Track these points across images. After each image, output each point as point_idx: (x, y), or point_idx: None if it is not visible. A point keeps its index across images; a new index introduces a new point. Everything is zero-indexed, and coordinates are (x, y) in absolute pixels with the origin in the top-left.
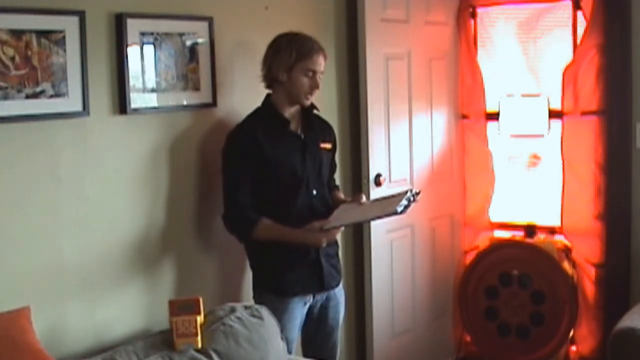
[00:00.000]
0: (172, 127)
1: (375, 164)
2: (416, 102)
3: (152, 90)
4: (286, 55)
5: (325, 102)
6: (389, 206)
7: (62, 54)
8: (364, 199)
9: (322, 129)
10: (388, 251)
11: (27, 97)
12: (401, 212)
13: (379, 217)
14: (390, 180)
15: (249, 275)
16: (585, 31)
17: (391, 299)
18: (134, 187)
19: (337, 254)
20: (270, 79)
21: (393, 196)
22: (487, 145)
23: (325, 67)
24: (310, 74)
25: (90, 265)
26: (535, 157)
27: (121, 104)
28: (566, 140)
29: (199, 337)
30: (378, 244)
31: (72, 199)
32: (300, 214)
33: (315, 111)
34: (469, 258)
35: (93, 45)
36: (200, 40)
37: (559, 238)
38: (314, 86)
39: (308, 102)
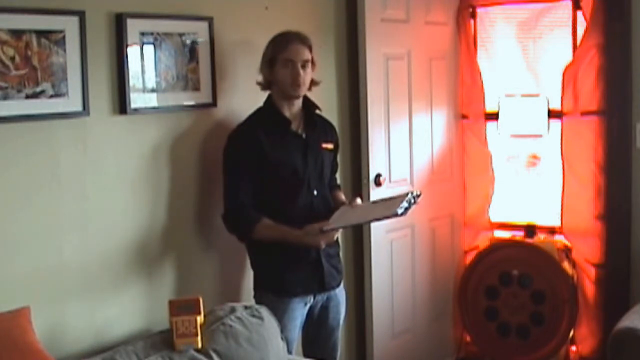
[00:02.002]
0: (172, 127)
1: (375, 164)
2: (416, 102)
3: (152, 90)
4: (267, 52)
5: (325, 102)
6: (389, 208)
7: (62, 54)
8: (359, 201)
9: (325, 129)
10: (388, 251)
11: (27, 97)
12: (402, 214)
13: (379, 219)
14: (390, 181)
15: (249, 275)
16: (585, 31)
17: (391, 299)
18: (134, 187)
19: (338, 254)
20: (264, 81)
21: (393, 198)
22: (487, 146)
23: (316, 56)
24: (290, 64)
25: (90, 265)
26: (535, 157)
27: (121, 104)
28: (566, 140)
29: (199, 337)
30: (378, 244)
31: (72, 199)
32: (301, 214)
33: (317, 111)
34: (469, 258)
35: (93, 45)
36: (200, 40)
37: (559, 238)
38: (296, 75)
39: (297, 93)
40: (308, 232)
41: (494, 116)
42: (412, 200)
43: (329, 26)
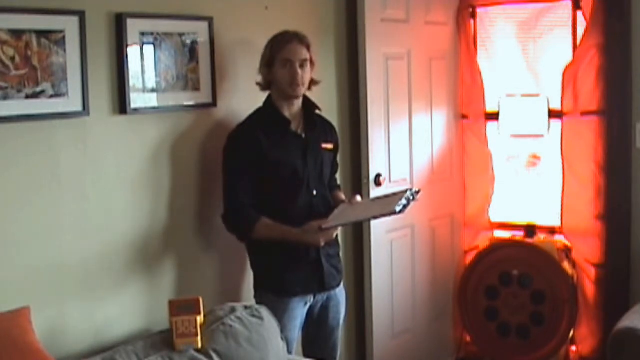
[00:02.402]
0: (172, 127)
1: (375, 164)
2: (416, 102)
3: (152, 90)
4: (266, 52)
5: (325, 102)
6: (388, 205)
7: (62, 54)
8: (358, 198)
9: (325, 129)
10: (388, 251)
11: (27, 97)
12: (400, 212)
13: (378, 217)
14: (390, 180)
15: (249, 275)
16: (585, 31)
17: (391, 299)
18: (134, 187)
19: (338, 254)
20: (264, 81)
21: (393, 194)
22: (487, 145)
23: (314, 55)
24: (288, 64)
25: (90, 265)
26: (535, 157)
27: (121, 104)
28: (566, 140)
29: (199, 337)
30: (378, 244)
31: (72, 199)
32: (300, 214)
33: (317, 111)
34: (469, 258)
35: (93, 45)
36: (200, 40)
37: (559, 238)
38: (294, 74)
39: (296, 93)
40: (307, 231)
41: (494, 116)
42: (411, 197)
43: (329, 26)
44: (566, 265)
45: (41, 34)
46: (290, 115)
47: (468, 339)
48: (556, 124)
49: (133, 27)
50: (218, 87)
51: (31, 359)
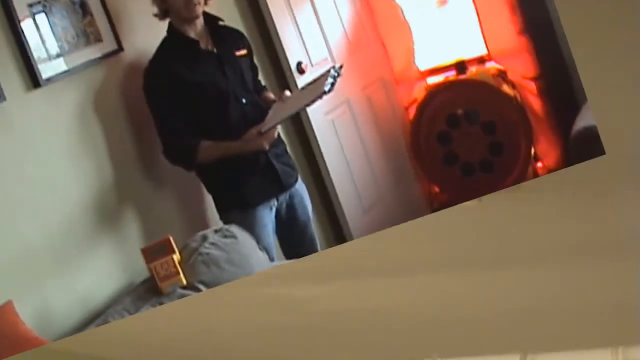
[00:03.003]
0: (89, 84)
1: (293, 53)
2: None
3: (58, 56)
4: None
5: (225, 11)
6: (317, 89)
7: None
8: (287, 93)
9: (234, 37)
10: (333, 132)
11: None
12: (329, 91)
13: (311, 103)
14: (312, 65)
15: (209, 200)
16: None
17: (351, 177)
18: (71, 154)
19: (285, 152)
20: (160, 11)
21: (318, 79)
22: None
23: None
24: None
25: (54, 241)
26: None
27: (32, 79)
28: None
29: (182, 275)
30: (321, 129)
31: (12, 184)
32: (236, 126)
33: (220, 22)
34: (411, 113)
35: None
36: None
37: (491, 65)
38: None
39: (194, 13)
40: (248, 139)
41: None
42: (336, 74)
43: None
44: (506, 88)
45: None
46: (196, 34)
47: (436, 189)
48: None
49: (19, 1)
50: (119, 31)
51: (29, 348)
